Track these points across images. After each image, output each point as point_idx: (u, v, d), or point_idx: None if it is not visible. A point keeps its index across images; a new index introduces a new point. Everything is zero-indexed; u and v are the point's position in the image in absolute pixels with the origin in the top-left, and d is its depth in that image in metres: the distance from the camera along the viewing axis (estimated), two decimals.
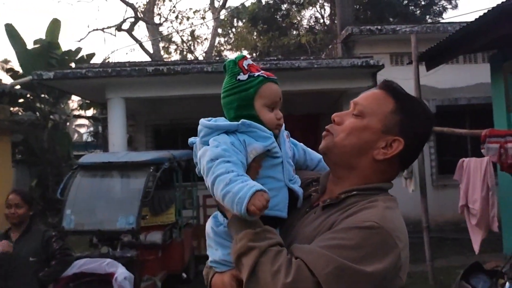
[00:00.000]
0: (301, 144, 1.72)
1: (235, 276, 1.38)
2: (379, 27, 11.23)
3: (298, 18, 20.06)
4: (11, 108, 14.96)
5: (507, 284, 3.66)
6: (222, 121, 1.48)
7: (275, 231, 1.36)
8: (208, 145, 1.41)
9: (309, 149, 1.72)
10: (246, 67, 1.50)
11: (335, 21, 16.31)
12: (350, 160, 1.45)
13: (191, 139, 1.55)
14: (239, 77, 1.50)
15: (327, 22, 19.99)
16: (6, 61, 24.02)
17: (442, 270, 7.51)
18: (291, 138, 1.64)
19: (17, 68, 16.04)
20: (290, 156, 1.53)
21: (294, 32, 20.01)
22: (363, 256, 1.25)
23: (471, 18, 15.43)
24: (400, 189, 8.82)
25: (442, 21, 16.99)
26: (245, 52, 22.90)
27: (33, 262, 4.12)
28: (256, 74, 1.49)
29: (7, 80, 17.47)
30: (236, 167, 1.34)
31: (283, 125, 1.55)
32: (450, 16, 22.00)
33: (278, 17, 19.95)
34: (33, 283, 4.10)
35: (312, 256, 1.25)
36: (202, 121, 1.49)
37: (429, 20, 17.59)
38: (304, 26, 20.73)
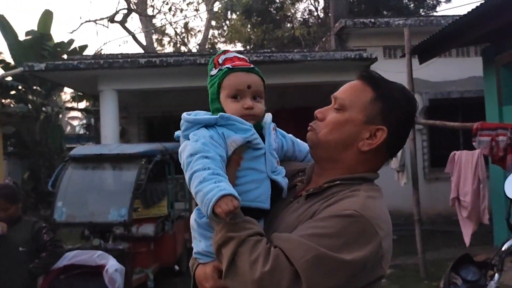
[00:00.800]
0: (290, 135, 1.71)
1: (217, 267, 1.38)
2: (372, 20, 11.22)
3: (292, 11, 20.00)
4: (3, 100, 14.87)
5: (496, 275, 3.69)
6: (202, 115, 1.47)
7: (256, 222, 1.36)
8: (189, 139, 1.42)
9: (298, 140, 1.71)
10: (220, 62, 1.51)
11: (329, 14, 16.29)
12: (335, 154, 1.45)
13: (176, 133, 1.54)
14: (211, 72, 1.53)
15: (321, 15, 19.96)
16: None
17: (433, 263, 7.56)
18: (279, 130, 1.64)
19: (9, 59, 15.92)
20: (275, 148, 1.52)
21: (288, 25, 19.96)
22: (342, 244, 1.25)
23: (464, 11, 15.48)
24: (392, 182, 8.86)
25: (435, 14, 17.01)
26: (238, 45, 22.85)
27: (23, 252, 4.10)
28: (224, 67, 1.49)
29: None
30: (213, 163, 1.34)
31: (269, 116, 1.55)
32: (443, 9, 22.01)
33: (272, 9, 19.87)
34: (23, 273, 4.08)
35: (291, 244, 1.25)
36: (184, 115, 1.48)
37: (423, 13, 17.59)
38: (298, 19, 20.68)
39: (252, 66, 1.51)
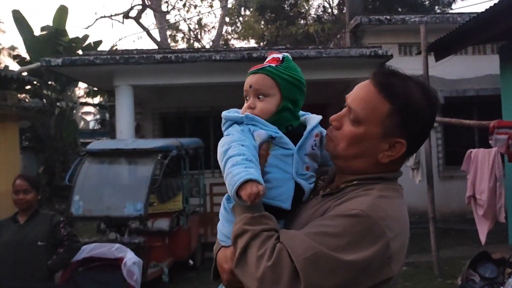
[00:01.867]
0: None
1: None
2: (388, 17, 11.16)
3: (306, 7, 19.94)
4: (19, 95, 15.04)
5: None
6: (233, 113, 1.53)
7: (273, 218, 1.37)
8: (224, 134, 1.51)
9: None
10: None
11: (343, 11, 16.23)
12: (354, 165, 1.43)
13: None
14: None
15: (335, 11, 19.89)
16: (13, 48, 24.05)
17: (447, 261, 7.54)
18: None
19: (24, 55, 16.08)
20: (309, 153, 1.51)
21: (302, 22, 19.91)
22: (345, 244, 1.25)
23: (480, 8, 15.32)
24: (406, 179, 8.83)
25: (451, 11, 16.87)
26: (252, 42, 22.84)
27: (41, 247, 4.08)
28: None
29: (14, 66, 17.53)
30: (249, 150, 1.39)
31: (315, 119, 1.55)
32: (459, 6, 21.84)
33: (285, 6, 19.84)
34: (42, 267, 4.07)
35: (293, 241, 1.27)
36: (223, 112, 1.56)
37: (438, 11, 17.46)
38: (312, 15, 20.63)
39: (264, 66, 1.52)
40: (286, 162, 1.47)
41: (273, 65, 1.52)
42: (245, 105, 1.53)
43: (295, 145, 1.48)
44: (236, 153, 1.38)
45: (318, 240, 1.25)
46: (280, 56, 1.55)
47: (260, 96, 1.50)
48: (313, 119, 1.55)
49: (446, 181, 11.06)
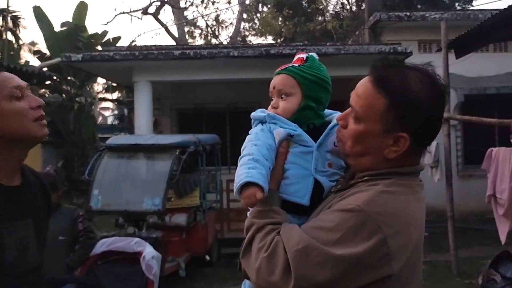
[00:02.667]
0: None
1: None
2: (407, 14, 11.05)
3: (324, 4, 19.84)
4: (39, 90, 15.22)
5: None
6: (259, 113, 1.59)
7: (283, 213, 1.41)
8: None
9: None
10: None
11: (362, 7, 16.11)
12: (364, 162, 1.42)
13: None
14: None
15: (354, 8, 19.75)
16: (33, 44, 24.35)
17: (466, 260, 7.47)
18: None
19: (45, 50, 16.26)
20: (331, 149, 1.52)
21: (320, 18, 19.81)
22: (337, 238, 1.25)
23: (502, 5, 15.10)
24: (425, 178, 8.74)
25: (472, 8, 16.65)
26: (269, 38, 22.81)
27: (62, 241, 4.10)
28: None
29: (35, 62, 17.75)
30: (258, 150, 1.45)
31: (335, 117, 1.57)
32: (480, 3, 21.53)
33: (303, 2, 19.76)
34: (61, 263, 4.08)
35: (289, 234, 1.30)
36: (252, 113, 1.62)
37: (458, 7, 17.24)
38: (330, 12, 20.52)
39: (287, 66, 1.56)
40: (305, 159, 1.49)
41: (296, 65, 1.55)
42: (270, 105, 1.60)
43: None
44: (246, 153, 1.46)
45: (311, 233, 1.27)
46: (304, 55, 1.57)
47: (282, 96, 1.55)
48: (336, 116, 1.55)
49: (465, 180, 10.94)
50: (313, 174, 1.48)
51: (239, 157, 1.47)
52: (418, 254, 1.37)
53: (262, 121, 1.56)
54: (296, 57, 1.60)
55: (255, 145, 1.47)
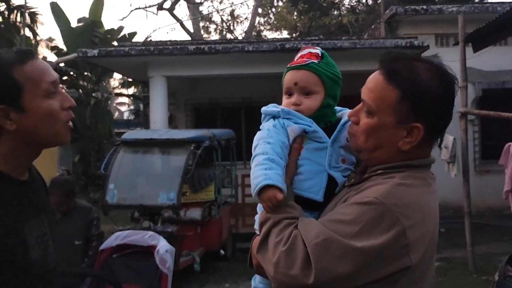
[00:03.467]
0: None
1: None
2: (424, 7, 10.92)
3: None
4: None
5: None
6: (271, 107, 1.56)
7: (299, 208, 1.41)
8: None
9: None
10: (295, 60, 1.57)
11: (378, 1, 15.96)
12: (378, 156, 1.43)
13: None
14: None
15: (370, 1, 19.58)
16: (51, 39, 24.59)
17: (482, 257, 7.39)
18: None
19: (61, 46, 16.41)
20: (343, 145, 1.53)
21: (335, 12, 19.68)
22: (356, 231, 1.26)
23: None
24: (442, 173, 8.66)
25: (490, 0, 16.39)
26: (284, 33, 22.73)
27: (78, 246, 4.09)
28: (287, 65, 1.57)
29: (52, 57, 17.92)
30: (272, 148, 1.44)
31: (347, 113, 1.56)
32: None
33: None
34: (79, 266, 4.08)
35: (307, 227, 1.30)
36: (262, 108, 1.60)
37: (477, 0, 16.98)
38: (346, 5, 20.37)
39: (307, 62, 1.52)
40: (319, 155, 1.50)
41: (316, 61, 1.53)
42: (287, 101, 1.55)
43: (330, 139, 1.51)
44: (260, 152, 1.44)
45: (330, 227, 1.28)
46: (318, 51, 1.56)
47: (306, 93, 1.53)
48: (347, 113, 1.56)
49: (483, 175, 10.80)
50: (327, 170, 1.49)
51: (253, 156, 1.47)
52: (434, 246, 1.39)
53: (274, 116, 1.53)
54: (305, 51, 1.56)
55: (269, 143, 1.45)
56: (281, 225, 1.35)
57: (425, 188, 1.38)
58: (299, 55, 1.56)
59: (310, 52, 1.54)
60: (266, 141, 1.46)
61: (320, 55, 1.54)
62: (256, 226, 1.56)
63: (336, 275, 1.25)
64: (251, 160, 1.48)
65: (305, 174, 1.48)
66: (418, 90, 1.34)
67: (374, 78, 1.42)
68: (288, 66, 1.56)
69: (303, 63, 1.52)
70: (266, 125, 1.52)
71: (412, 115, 1.35)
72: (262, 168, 1.40)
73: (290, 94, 1.55)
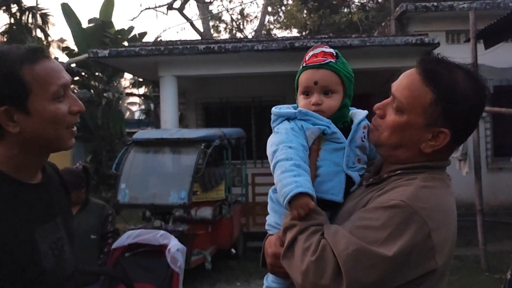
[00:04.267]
0: None
1: (281, 237, 1.46)
2: (435, 4, 10.86)
3: None
4: None
5: None
6: (285, 109, 1.54)
7: (324, 213, 1.40)
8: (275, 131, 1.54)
9: None
10: (306, 59, 1.54)
11: None
12: (398, 154, 1.43)
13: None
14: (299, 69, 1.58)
15: None
16: (62, 40, 24.79)
17: (495, 255, 7.33)
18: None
19: (73, 46, 16.54)
20: (360, 145, 1.53)
21: (345, 10, 19.60)
22: (385, 237, 1.25)
23: None
24: (453, 171, 8.61)
25: None
26: (294, 31, 22.68)
27: (94, 240, 4.07)
28: (303, 64, 1.54)
29: (63, 58, 18.07)
30: (296, 152, 1.42)
31: (362, 113, 1.56)
32: None
33: None
34: (95, 262, 4.06)
35: (336, 237, 1.29)
36: (273, 108, 1.57)
37: None
38: (356, 3, 20.28)
39: (326, 61, 1.50)
40: (336, 156, 1.50)
41: (333, 60, 1.51)
42: (306, 101, 1.52)
43: (346, 139, 1.50)
44: (284, 157, 1.42)
45: (359, 235, 1.27)
46: (332, 51, 1.54)
47: (325, 93, 1.51)
48: (360, 113, 1.58)
49: (495, 173, 10.73)
50: (345, 170, 1.49)
51: (274, 161, 1.44)
52: (454, 246, 1.39)
53: (289, 118, 1.51)
54: (318, 50, 1.54)
55: (291, 148, 1.43)
56: (307, 232, 1.34)
57: (445, 189, 1.38)
58: (310, 54, 1.54)
59: (324, 51, 1.52)
60: (287, 145, 1.44)
61: (335, 54, 1.53)
62: (267, 225, 1.56)
63: (366, 284, 1.25)
64: (272, 165, 1.45)
65: (323, 176, 1.48)
66: (453, 96, 1.34)
67: (410, 76, 1.41)
68: (304, 65, 1.53)
69: (322, 62, 1.50)
70: (283, 128, 1.50)
71: (442, 119, 1.35)
72: (291, 175, 1.38)
73: (308, 94, 1.52)
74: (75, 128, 1.46)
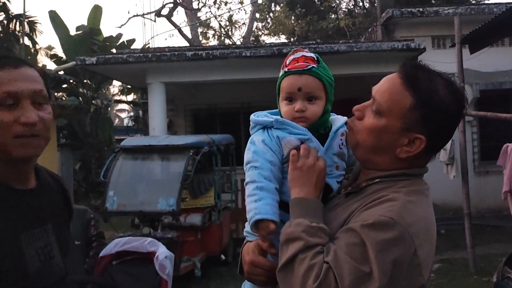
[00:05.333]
0: None
1: (260, 245, 1.45)
2: (420, 9, 10.98)
3: (337, 1, 19.78)
4: (56, 93, 15.42)
5: None
6: (262, 117, 1.53)
7: (327, 231, 1.35)
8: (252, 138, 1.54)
9: None
10: (287, 63, 1.52)
11: (375, 4, 16.00)
12: (373, 158, 1.43)
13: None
14: (280, 73, 1.55)
15: (367, 5, 19.64)
16: (50, 48, 24.64)
17: (483, 258, 7.39)
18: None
19: (61, 54, 16.48)
20: (337, 152, 1.52)
21: (333, 16, 19.74)
22: (376, 255, 1.23)
23: None
24: (441, 175, 8.67)
25: (487, 1, 16.42)
26: (282, 37, 22.78)
27: (78, 246, 4.05)
28: (285, 69, 1.51)
29: (51, 66, 17.98)
30: (260, 173, 1.43)
31: (341, 120, 1.55)
32: None
33: (316, 0, 19.70)
34: (79, 269, 4.04)
35: (338, 263, 1.26)
36: (251, 115, 1.56)
37: (473, 1, 17.02)
38: (343, 9, 20.44)
39: (309, 67, 1.48)
40: None
41: (315, 66, 1.49)
42: (289, 107, 1.49)
43: (323, 146, 1.49)
44: (249, 180, 1.45)
45: (354, 256, 1.25)
46: (313, 55, 1.52)
47: (309, 99, 1.49)
48: (339, 119, 1.56)
49: (482, 176, 10.82)
50: None
51: (245, 183, 1.47)
52: (433, 258, 1.41)
53: (266, 126, 1.50)
54: (298, 54, 1.51)
55: (256, 168, 1.44)
56: (312, 251, 1.29)
57: (425, 201, 1.38)
58: (291, 58, 1.51)
59: (305, 56, 1.50)
60: (253, 165, 1.45)
61: (316, 59, 1.50)
62: (246, 233, 1.55)
63: None
64: (245, 184, 1.49)
65: None
66: (432, 103, 1.35)
67: (391, 80, 1.41)
68: (286, 70, 1.50)
69: (305, 68, 1.47)
70: (255, 140, 1.49)
71: (419, 125, 1.35)
72: (252, 200, 1.41)
73: (291, 100, 1.49)
74: (28, 140, 1.40)
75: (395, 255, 1.24)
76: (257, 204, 1.39)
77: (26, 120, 1.39)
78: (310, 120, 1.49)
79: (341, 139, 1.52)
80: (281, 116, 1.51)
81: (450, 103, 1.36)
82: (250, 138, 1.52)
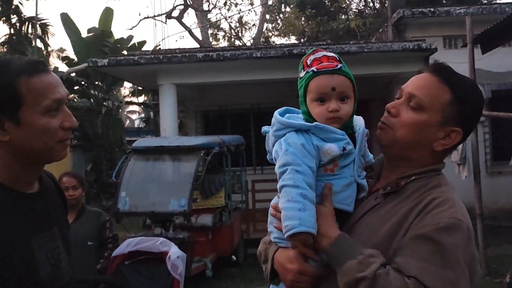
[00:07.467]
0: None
1: (303, 252, 1.44)
2: (432, 9, 10.91)
3: (347, 2, 19.75)
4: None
5: None
6: (295, 119, 1.50)
7: (376, 252, 1.36)
8: (281, 138, 1.49)
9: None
10: (308, 63, 1.49)
11: (385, 4, 15.96)
12: (411, 154, 1.47)
13: (264, 128, 1.59)
14: (300, 74, 1.53)
15: (377, 5, 19.58)
16: (62, 50, 24.86)
17: (495, 259, 7.33)
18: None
19: (72, 56, 16.61)
20: (363, 153, 1.54)
21: (343, 17, 19.70)
22: (457, 258, 1.29)
23: None
24: (452, 175, 8.61)
25: (499, 1, 16.30)
26: (292, 38, 22.78)
27: (91, 247, 4.10)
28: (310, 69, 1.48)
29: (63, 68, 18.14)
30: (304, 178, 1.40)
31: (361, 121, 1.56)
32: None
33: (326, 1, 19.68)
34: (92, 269, 4.07)
35: (426, 274, 1.27)
36: (276, 115, 1.52)
37: (485, 1, 16.90)
38: (353, 10, 20.39)
39: (338, 66, 1.47)
40: (349, 168, 1.49)
41: (342, 65, 1.48)
42: (322, 107, 1.47)
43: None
44: (291, 183, 1.39)
45: (438, 263, 1.28)
46: (334, 55, 1.51)
47: (344, 99, 1.48)
48: (360, 120, 1.56)
49: (494, 177, 10.73)
50: (356, 180, 1.50)
51: (281, 184, 1.42)
52: None
53: (300, 129, 1.46)
54: (319, 54, 1.49)
55: (298, 172, 1.40)
56: (380, 279, 1.28)
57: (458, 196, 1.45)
58: (312, 58, 1.49)
59: (327, 56, 1.48)
60: (295, 169, 1.40)
61: (338, 59, 1.49)
62: (275, 238, 1.52)
63: None
64: (279, 187, 1.43)
65: (339, 188, 1.47)
66: (467, 97, 1.45)
67: (426, 77, 1.48)
68: (314, 70, 1.47)
69: (335, 67, 1.46)
70: (291, 141, 1.44)
71: (456, 119, 1.44)
72: (296, 207, 1.37)
73: (323, 100, 1.47)
74: (67, 142, 1.47)
75: (471, 252, 1.33)
76: (302, 214, 1.37)
77: (70, 125, 1.44)
78: (342, 120, 1.48)
79: (365, 140, 1.55)
80: (310, 117, 1.49)
81: (477, 100, 1.48)
82: (284, 139, 1.47)
